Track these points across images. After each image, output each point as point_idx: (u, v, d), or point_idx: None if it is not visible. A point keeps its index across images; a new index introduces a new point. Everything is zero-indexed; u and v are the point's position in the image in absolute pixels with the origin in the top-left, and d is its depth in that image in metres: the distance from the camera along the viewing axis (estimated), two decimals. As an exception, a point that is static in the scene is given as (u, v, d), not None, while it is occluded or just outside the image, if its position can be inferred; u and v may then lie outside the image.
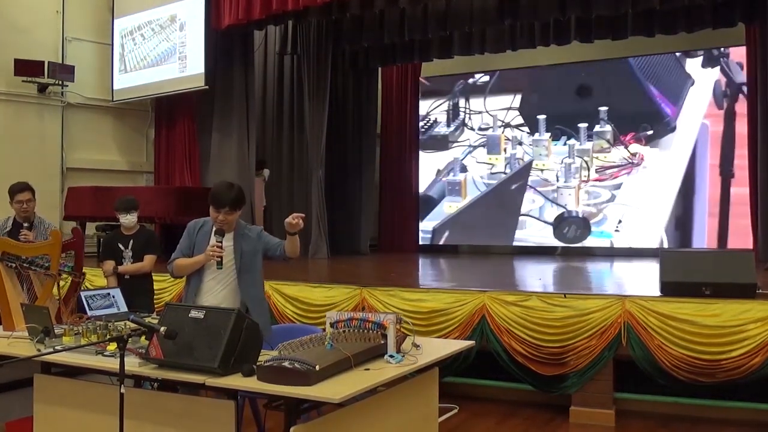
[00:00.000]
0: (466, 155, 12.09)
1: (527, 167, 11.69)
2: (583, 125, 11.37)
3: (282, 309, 6.40)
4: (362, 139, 11.73)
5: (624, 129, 11.07)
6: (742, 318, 4.90)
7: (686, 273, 5.28)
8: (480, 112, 12.11)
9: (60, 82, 10.18)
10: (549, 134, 11.54)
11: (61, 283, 4.39)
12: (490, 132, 11.98)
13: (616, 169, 11.17)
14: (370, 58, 11.46)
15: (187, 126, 10.27)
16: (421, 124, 12.46)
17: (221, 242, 3.94)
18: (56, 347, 3.35)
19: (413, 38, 10.39)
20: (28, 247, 4.40)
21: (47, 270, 4.26)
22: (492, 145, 11.93)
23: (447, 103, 12.36)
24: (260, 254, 4.14)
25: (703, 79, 10.57)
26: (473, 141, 12.11)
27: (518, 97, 11.83)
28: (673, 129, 10.77)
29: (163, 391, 3.33)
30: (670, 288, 5.27)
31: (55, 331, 3.54)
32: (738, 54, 9.96)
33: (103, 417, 3.15)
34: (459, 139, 12.22)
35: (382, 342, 3.25)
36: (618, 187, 11.07)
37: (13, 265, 4.24)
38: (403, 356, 3.24)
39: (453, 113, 12.32)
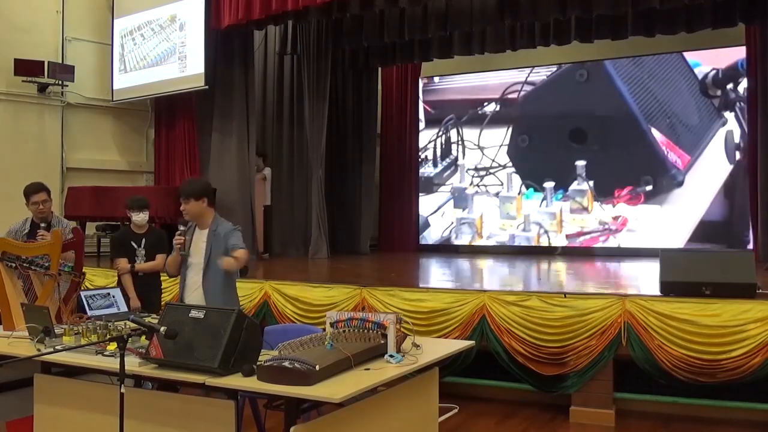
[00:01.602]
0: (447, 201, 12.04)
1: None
2: (549, 185, 11.02)
3: (282, 309, 6.40)
4: (362, 139, 11.73)
5: (620, 182, 10.52)
6: (742, 318, 4.90)
7: (686, 273, 5.29)
8: (474, 148, 11.88)
9: (60, 82, 10.18)
10: (518, 192, 11.33)
11: (61, 283, 4.39)
12: (459, 184, 11.89)
13: (587, 237, 10.83)
14: (370, 58, 11.45)
15: (187, 126, 10.26)
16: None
17: (181, 231, 4.35)
18: (56, 347, 3.35)
19: (413, 38, 10.39)
20: (28, 247, 4.40)
21: (47, 270, 4.26)
22: (460, 200, 11.92)
23: (442, 137, 12.14)
24: (225, 253, 4.28)
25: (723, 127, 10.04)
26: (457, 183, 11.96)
27: (509, 130, 11.54)
28: (680, 183, 10.24)
29: (163, 391, 3.33)
30: (670, 288, 5.27)
31: (55, 331, 3.54)
32: (738, 54, 9.94)
33: (103, 417, 3.15)
34: (447, 182, 12.07)
35: (382, 342, 3.26)
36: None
37: (13, 265, 4.24)
38: (403, 356, 3.24)
39: (445, 149, 12.17)
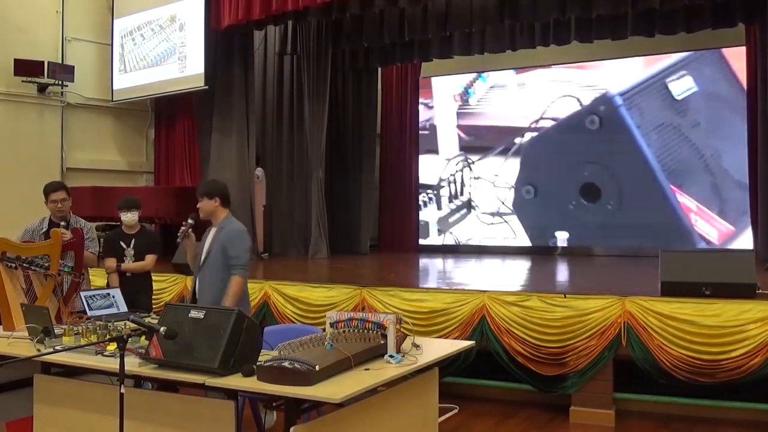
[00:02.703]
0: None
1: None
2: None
3: (282, 309, 6.40)
4: (362, 139, 11.73)
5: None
6: (742, 318, 4.90)
7: (686, 273, 5.28)
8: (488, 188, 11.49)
9: (60, 82, 10.18)
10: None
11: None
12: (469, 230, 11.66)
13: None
14: (370, 58, 11.45)
15: (187, 126, 10.27)
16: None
17: (187, 222, 4.52)
18: (56, 347, 3.35)
19: (413, 38, 10.38)
20: (28, 247, 4.40)
21: (47, 270, 4.26)
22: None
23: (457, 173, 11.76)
24: (223, 255, 4.44)
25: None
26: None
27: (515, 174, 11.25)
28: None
29: (163, 391, 3.33)
30: (670, 288, 5.26)
31: (55, 331, 3.54)
32: (738, 54, 9.94)
33: (103, 417, 3.15)
34: (452, 228, 11.86)
35: (382, 342, 3.26)
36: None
37: (13, 265, 4.24)
38: (403, 356, 3.24)
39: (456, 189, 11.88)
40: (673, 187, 10.24)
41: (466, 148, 11.89)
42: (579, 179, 10.75)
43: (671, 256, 5.52)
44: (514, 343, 5.47)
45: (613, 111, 10.67)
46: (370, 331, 3.27)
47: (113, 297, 4.51)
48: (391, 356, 3.21)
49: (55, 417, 3.41)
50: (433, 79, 12.31)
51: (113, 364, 3.01)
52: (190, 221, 4.55)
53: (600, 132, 10.74)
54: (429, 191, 12.17)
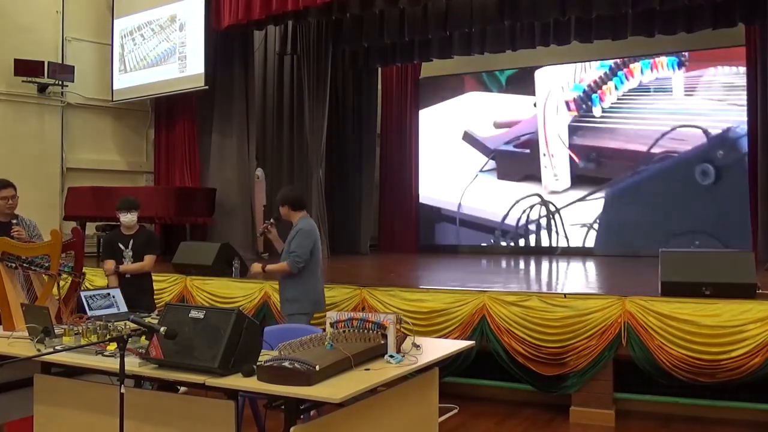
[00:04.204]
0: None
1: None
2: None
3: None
4: (362, 139, 11.73)
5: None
6: (742, 318, 4.90)
7: (686, 273, 5.28)
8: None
9: (60, 82, 10.19)
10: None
11: (61, 283, 4.38)
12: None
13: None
14: (370, 58, 11.45)
15: (187, 126, 10.27)
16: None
17: (267, 221, 5.50)
18: (56, 347, 3.35)
19: (413, 38, 10.39)
20: (28, 247, 4.39)
21: (47, 270, 4.26)
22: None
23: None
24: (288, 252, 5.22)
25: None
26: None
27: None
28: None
29: (163, 391, 3.33)
30: (670, 288, 5.26)
31: (55, 331, 3.53)
32: (738, 54, 9.94)
33: (103, 417, 3.15)
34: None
35: (382, 342, 3.25)
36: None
37: (13, 265, 4.24)
38: (403, 356, 3.24)
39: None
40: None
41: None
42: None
43: (671, 256, 5.52)
44: (514, 343, 5.47)
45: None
46: (371, 331, 3.27)
47: (113, 297, 4.50)
48: (391, 356, 3.21)
49: (55, 417, 3.41)
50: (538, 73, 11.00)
51: (113, 364, 3.01)
52: (271, 220, 5.44)
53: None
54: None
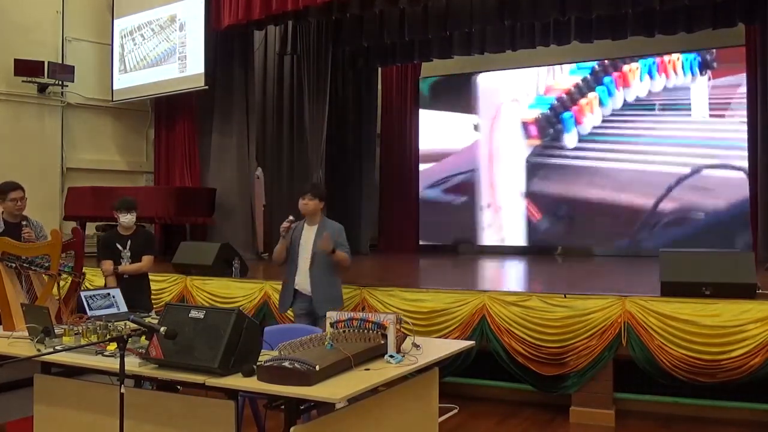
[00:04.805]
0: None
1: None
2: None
3: (282, 309, 6.39)
4: (362, 139, 11.72)
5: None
6: (742, 318, 4.90)
7: (686, 273, 5.28)
8: None
9: (60, 82, 10.18)
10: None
11: (61, 283, 4.38)
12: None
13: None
14: (370, 58, 11.45)
15: (187, 126, 10.27)
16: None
17: (289, 220, 5.13)
18: (56, 347, 3.35)
19: (413, 38, 10.38)
20: (28, 247, 4.39)
21: (47, 270, 4.26)
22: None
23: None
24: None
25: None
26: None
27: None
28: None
29: (163, 391, 3.33)
30: (670, 288, 5.26)
31: (55, 331, 3.53)
32: (738, 54, 9.92)
33: (103, 417, 3.15)
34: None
35: (382, 342, 3.25)
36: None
37: (13, 265, 4.24)
38: (403, 356, 3.24)
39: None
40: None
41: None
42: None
43: (671, 256, 5.52)
44: (514, 343, 5.47)
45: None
46: (371, 331, 3.27)
47: (113, 297, 4.50)
48: (391, 356, 3.21)
49: (55, 417, 3.41)
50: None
51: (113, 364, 3.01)
52: (291, 218, 5.19)
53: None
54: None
